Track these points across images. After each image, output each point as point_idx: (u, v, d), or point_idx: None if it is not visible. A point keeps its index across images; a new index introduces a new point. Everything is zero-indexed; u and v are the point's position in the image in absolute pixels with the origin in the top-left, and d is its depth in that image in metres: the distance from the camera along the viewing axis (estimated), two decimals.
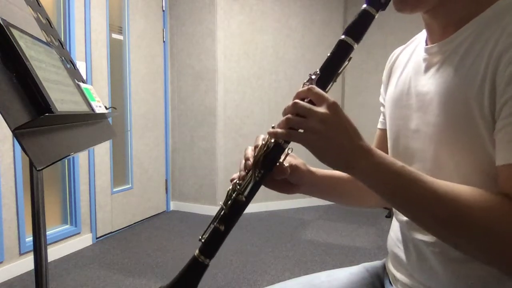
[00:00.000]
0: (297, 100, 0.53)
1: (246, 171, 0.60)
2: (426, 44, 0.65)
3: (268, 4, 3.45)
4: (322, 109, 0.51)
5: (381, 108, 0.80)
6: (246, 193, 0.58)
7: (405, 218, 0.67)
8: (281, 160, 0.60)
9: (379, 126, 0.82)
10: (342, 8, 3.78)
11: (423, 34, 0.68)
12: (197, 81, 3.43)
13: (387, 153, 0.72)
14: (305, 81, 0.57)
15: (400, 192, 0.52)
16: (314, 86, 0.54)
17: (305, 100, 0.53)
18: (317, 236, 2.86)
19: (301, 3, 3.58)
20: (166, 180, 3.56)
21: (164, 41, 3.44)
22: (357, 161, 0.51)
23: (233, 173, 0.62)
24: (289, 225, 3.10)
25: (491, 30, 0.52)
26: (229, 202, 0.59)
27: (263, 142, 0.59)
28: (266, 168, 0.58)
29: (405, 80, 0.68)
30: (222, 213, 0.59)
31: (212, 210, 3.43)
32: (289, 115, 0.53)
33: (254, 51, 3.45)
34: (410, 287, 0.67)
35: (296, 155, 0.67)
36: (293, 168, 0.66)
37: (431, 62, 0.62)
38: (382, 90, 0.81)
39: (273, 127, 0.56)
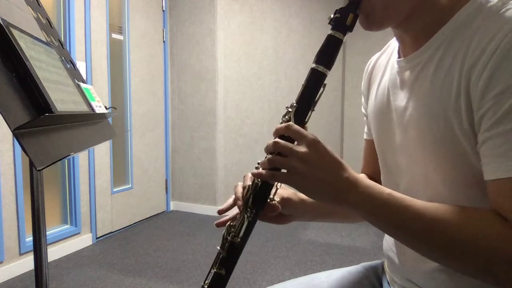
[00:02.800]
0: (277, 139, 0.54)
1: (238, 211, 0.61)
2: (399, 55, 0.64)
3: (268, 4, 3.45)
4: (302, 148, 0.51)
5: (365, 119, 0.80)
6: (241, 234, 0.59)
7: None
8: (271, 195, 0.61)
9: (365, 137, 0.81)
10: None
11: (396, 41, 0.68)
12: (197, 81, 3.43)
13: (377, 163, 0.73)
14: (284, 114, 0.57)
15: (389, 220, 0.52)
16: (292, 123, 0.54)
17: (286, 137, 0.54)
18: (317, 236, 2.86)
19: (301, 3, 3.58)
20: (166, 180, 3.56)
21: (164, 41, 3.44)
22: (344, 195, 0.52)
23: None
24: (289, 225, 3.09)
25: (459, 40, 0.52)
26: (226, 245, 0.59)
27: (250, 183, 0.60)
28: (257, 207, 0.59)
29: (383, 92, 0.67)
30: (220, 257, 0.60)
31: (212, 210, 3.43)
32: (271, 156, 0.53)
33: (254, 51, 3.45)
34: None
35: (286, 186, 0.68)
36: (285, 200, 0.67)
37: (406, 76, 0.61)
38: (363, 100, 0.80)
39: (257, 167, 0.56)
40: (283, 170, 0.54)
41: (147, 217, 3.32)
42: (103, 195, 2.80)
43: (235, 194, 0.64)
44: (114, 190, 2.93)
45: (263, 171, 0.54)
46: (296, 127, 0.54)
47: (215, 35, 3.31)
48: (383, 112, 0.67)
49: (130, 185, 3.13)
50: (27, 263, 2.19)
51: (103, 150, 2.77)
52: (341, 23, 0.56)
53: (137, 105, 3.15)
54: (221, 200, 3.43)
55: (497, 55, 0.45)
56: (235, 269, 0.60)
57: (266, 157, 0.55)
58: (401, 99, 0.62)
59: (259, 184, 0.58)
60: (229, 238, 0.59)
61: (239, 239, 0.59)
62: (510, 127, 0.45)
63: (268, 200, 0.61)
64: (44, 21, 0.95)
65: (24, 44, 0.68)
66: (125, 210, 3.05)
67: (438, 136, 0.54)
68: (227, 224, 0.61)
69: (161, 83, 3.45)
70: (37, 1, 0.97)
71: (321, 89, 0.57)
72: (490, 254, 0.46)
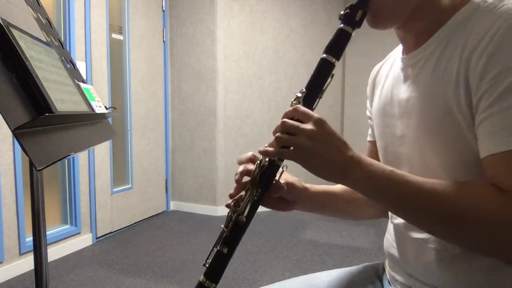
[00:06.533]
0: (285, 119, 0.56)
1: (244, 191, 0.61)
2: (403, 55, 0.68)
3: (268, 4, 3.45)
4: (309, 126, 0.53)
5: (369, 121, 0.82)
6: (245, 213, 0.59)
7: (400, 220, 0.68)
8: (277, 177, 0.62)
9: (368, 138, 0.84)
10: (342, 8, 3.75)
11: (398, 49, 0.72)
12: (197, 81, 3.43)
13: None
14: (293, 100, 0.60)
15: (391, 195, 0.54)
16: (299, 105, 0.57)
17: (294, 119, 0.56)
18: (317, 236, 2.86)
19: (301, 3, 3.58)
20: (166, 180, 3.56)
21: (164, 41, 3.44)
22: (348, 171, 0.54)
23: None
24: (289, 225, 3.10)
25: (458, 36, 0.56)
26: (230, 224, 0.60)
27: (258, 162, 0.61)
28: (263, 187, 0.60)
29: (387, 91, 0.71)
30: (224, 235, 0.60)
31: (212, 210, 3.43)
32: (278, 134, 0.55)
33: (254, 51, 3.45)
34: (409, 286, 0.67)
35: (290, 173, 0.69)
36: (289, 185, 0.68)
37: (409, 71, 0.65)
38: (368, 104, 0.83)
39: (266, 147, 0.57)
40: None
41: (147, 217, 3.32)
42: (103, 195, 2.80)
43: (238, 173, 0.64)
44: (114, 190, 2.93)
45: (270, 148, 0.56)
46: (303, 108, 0.56)
47: (215, 35, 3.31)
48: (386, 107, 0.70)
49: (130, 185, 3.13)
50: (27, 263, 2.19)
51: (103, 150, 2.77)
52: (351, 18, 0.60)
53: (137, 105, 3.15)
54: (221, 200, 3.43)
55: (494, 42, 0.49)
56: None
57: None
58: (403, 92, 0.65)
59: (266, 164, 0.59)
60: (233, 216, 0.60)
61: (244, 218, 0.59)
62: (505, 106, 0.48)
63: (274, 182, 0.62)
64: (44, 21, 0.95)
65: (24, 44, 0.68)
66: (125, 210, 3.05)
67: (438, 120, 0.57)
68: (232, 203, 0.62)
69: (161, 83, 3.45)
70: (37, 1, 0.97)
71: (329, 79, 0.60)
72: (486, 223, 0.48)
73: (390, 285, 0.73)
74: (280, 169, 0.60)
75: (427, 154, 0.60)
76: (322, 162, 0.53)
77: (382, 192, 0.54)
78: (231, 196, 0.63)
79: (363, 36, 3.62)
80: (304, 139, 0.53)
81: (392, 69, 0.72)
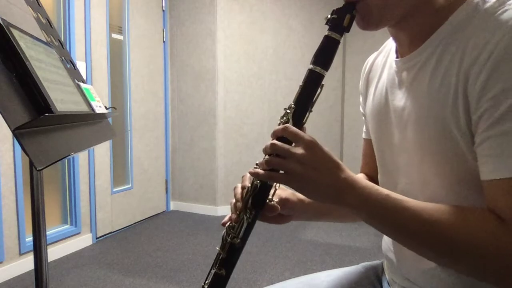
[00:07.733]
0: (274, 141, 0.54)
1: (238, 212, 0.61)
2: (397, 55, 0.64)
3: (268, 4, 3.45)
4: (299, 150, 0.51)
5: (363, 118, 0.80)
6: (240, 235, 0.60)
7: None
8: (270, 196, 0.61)
9: (364, 136, 0.82)
10: None
11: (393, 41, 0.67)
12: (197, 81, 3.43)
13: (376, 162, 0.73)
14: (281, 115, 0.58)
15: (386, 221, 0.53)
16: (289, 125, 0.55)
17: (284, 138, 0.54)
18: (317, 236, 2.86)
19: (301, 3, 3.58)
20: (166, 180, 3.56)
21: (164, 41, 3.44)
22: (342, 196, 0.52)
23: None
24: (289, 225, 3.10)
25: (456, 42, 0.52)
26: (226, 246, 0.60)
27: (250, 184, 0.60)
28: (256, 208, 0.59)
29: (381, 91, 0.68)
30: (220, 258, 0.60)
31: (212, 210, 3.43)
32: (268, 157, 0.54)
33: (254, 51, 3.45)
34: None
35: (284, 186, 0.68)
36: (283, 201, 0.68)
37: (404, 76, 0.61)
38: (361, 100, 0.80)
39: (255, 168, 0.56)
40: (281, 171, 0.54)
41: (147, 217, 3.32)
42: (103, 195, 2.80)
43: (235, 196, 0.64)
44: (114, 190, 2.93)
45: (261, 171, 0.55)
46: (293, 128, 0.54)
47: (215, 35, 3.31)
48: (381, 112, 0.67)
49: (130, 185, 3.13)
50: (27, 263, 2.19)
51: (103, 150, 2.77)
52: (338, 24, 0.56)
53: (137, 105, 3.15)
54: (221, 200, 3.43)
55: (494, 57, 0.46)
56: (235, 269, 0.61)
57: (264, 158, 0.55)
58: (399, 99, 0.62)
59: (258, 185, 0.58)
60: (228, 239, 0.60)
61: (238, 240, 0.59)
62: (506, 128, 0.45)
63: (267, 201, 0.61)
64: (44, 21, 0.95)
65: (24, 44, 0.68)
66: (125, 210, 3.05)
67: (435, 136, 0.54)
68: (226, 225, 0.62)
69: (161, 83, 3.45)
70: (37, 1, 0.97)
71: (319, 90, 0.57)
72: (485, 253, 0.46)
73: (389, 286, 0.73)
74: (274, 187, 0.60)
75: (425, 169, 0.58)
76: (315, 187, 0.52)
77: (377, 218, 0.53)
78: (224, 224, 0.63)
79: (363, 36, 3.62)
80: (295, 164, 0.51)
81: (387, 65, 0.68)
